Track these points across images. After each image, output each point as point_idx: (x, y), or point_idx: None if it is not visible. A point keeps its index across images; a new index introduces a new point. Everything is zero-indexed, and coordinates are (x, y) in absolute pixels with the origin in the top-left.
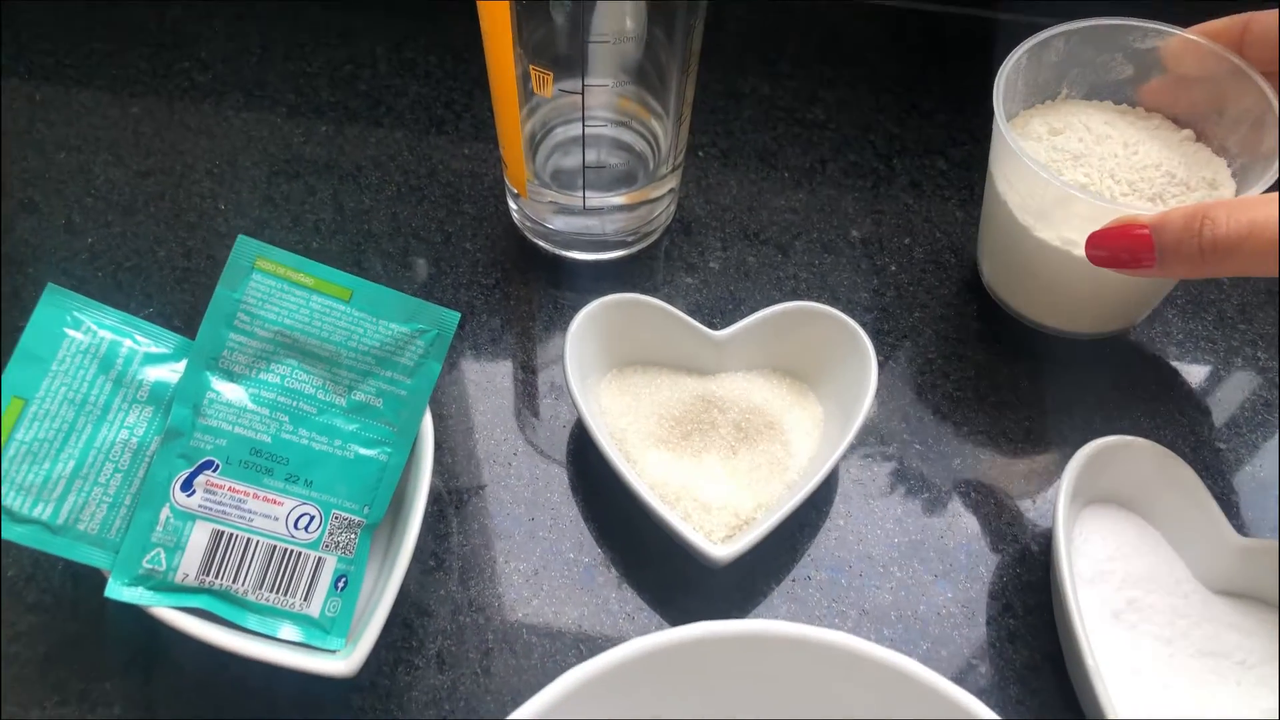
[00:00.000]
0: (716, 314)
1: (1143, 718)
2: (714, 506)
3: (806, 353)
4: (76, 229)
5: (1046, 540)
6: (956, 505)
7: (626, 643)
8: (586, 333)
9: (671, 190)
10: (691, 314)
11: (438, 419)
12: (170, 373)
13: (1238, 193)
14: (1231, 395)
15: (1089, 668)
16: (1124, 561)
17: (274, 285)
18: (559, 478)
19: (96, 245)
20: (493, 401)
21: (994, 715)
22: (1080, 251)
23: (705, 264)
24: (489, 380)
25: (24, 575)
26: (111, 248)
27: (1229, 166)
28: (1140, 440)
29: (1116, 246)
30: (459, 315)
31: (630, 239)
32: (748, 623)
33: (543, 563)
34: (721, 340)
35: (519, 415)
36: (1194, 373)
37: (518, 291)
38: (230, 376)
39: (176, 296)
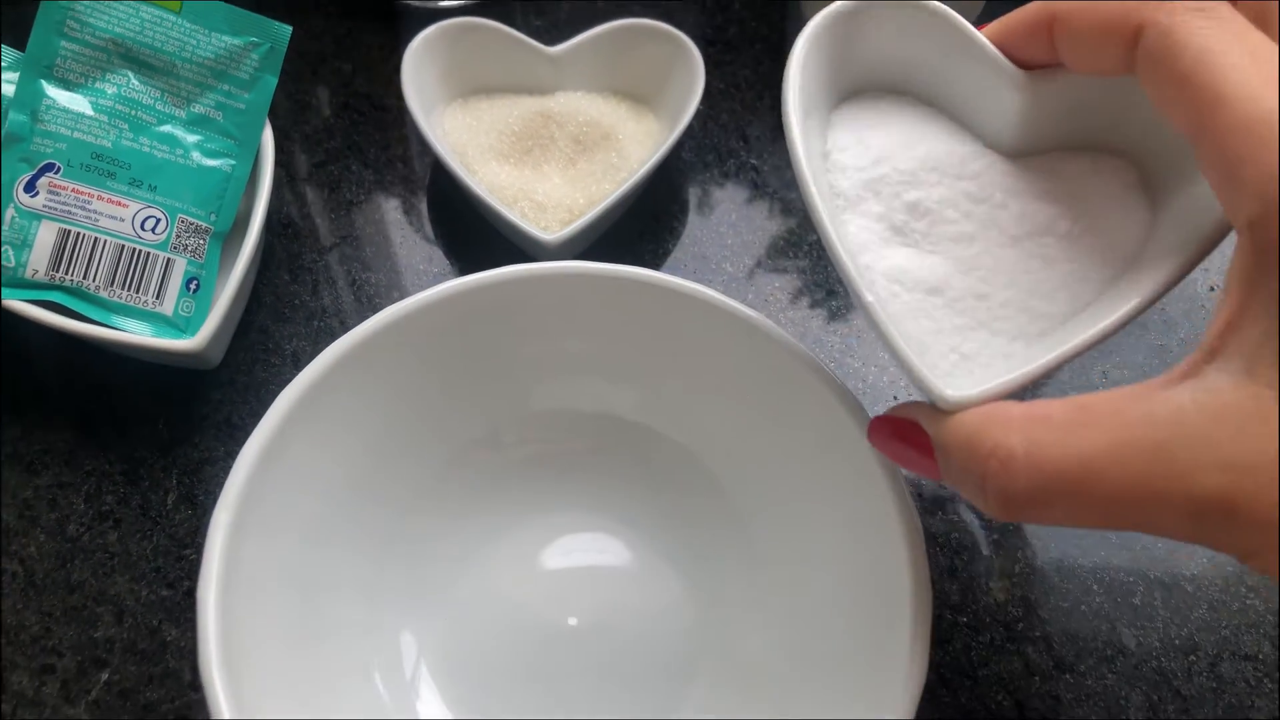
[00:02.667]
0: None
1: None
2: (548, 205)
3: (642, 72)
4: None
5: None
6: (791, 207)
7: (445, 283)
8: (425, 58)
9: None
10: None
11: (293, 154)
12: (6, 84)
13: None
14: None
15: (880, 322)
16: (892, 161)
17: None
18: (412, 204)
19: None
20: (347, 137)
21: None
22: None
23: (556, 10)
24: (342, 119)
25: None
26: None
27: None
28: None
29: (897, 447)
30: (290, 29)
31: None
32: (554, 264)
33: (393, 274)
34: (558, 55)
35: (370, 149)
36: None
37: (369, 40)
38: (66, 85)
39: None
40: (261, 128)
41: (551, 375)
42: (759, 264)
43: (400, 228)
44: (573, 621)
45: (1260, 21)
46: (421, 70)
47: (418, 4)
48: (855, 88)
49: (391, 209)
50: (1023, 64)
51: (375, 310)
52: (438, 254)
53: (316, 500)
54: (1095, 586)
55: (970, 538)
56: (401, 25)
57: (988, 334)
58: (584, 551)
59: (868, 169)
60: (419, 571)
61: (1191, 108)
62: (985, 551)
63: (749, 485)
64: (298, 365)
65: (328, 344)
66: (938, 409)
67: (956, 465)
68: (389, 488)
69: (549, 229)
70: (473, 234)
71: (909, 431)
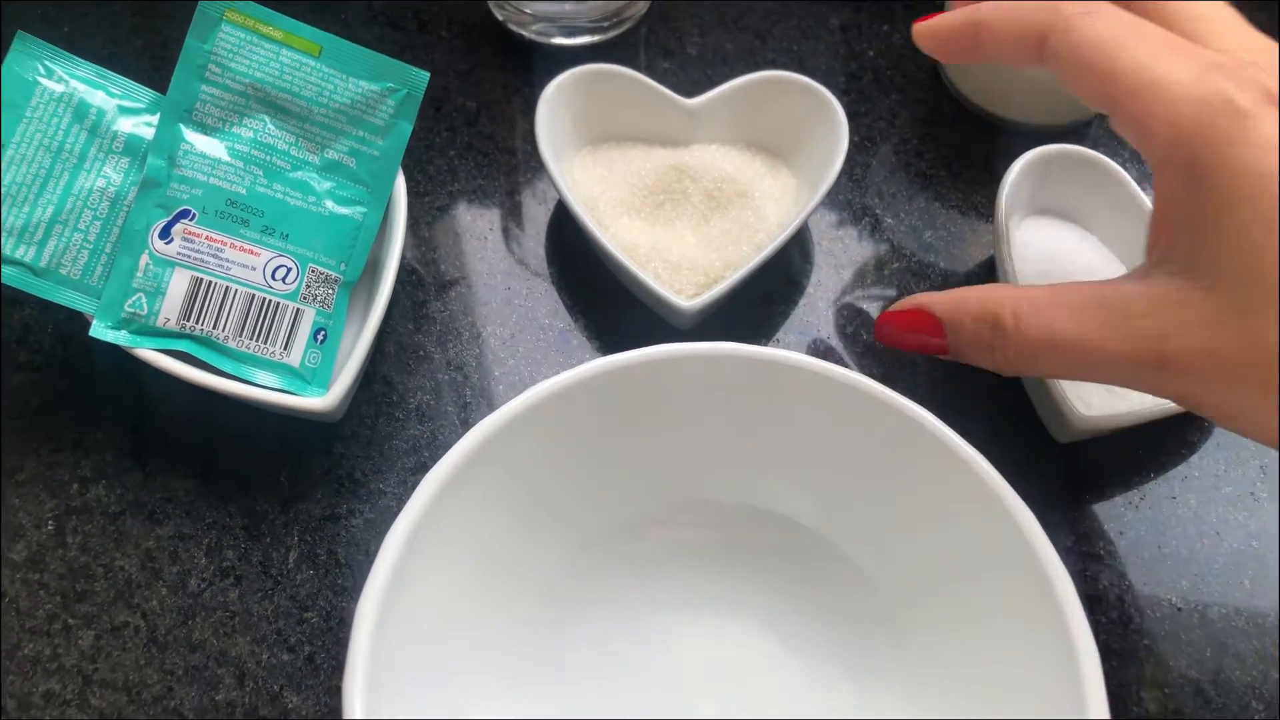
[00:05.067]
0: (692, 96)
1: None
2: (683, 267)
3: (780, 126)
4: None
5: None
6: (926, 270)
7: (595, 361)
8: (559, 103)
9: None
10: None
11: (416, 195)
12: (145, 125)
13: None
14: None
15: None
16: (1061, 262)
17: (243, 37)
18: (534, 251)
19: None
20: (470, 180)
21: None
22: None
23: (683, 50)
24: (466, 160)
25: (15, 337)
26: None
27: None
28: (1073, 147)
29: (905, 335)
30: (427, 74)
31: (606, 24)
32: (705, 345)
33: (518, 328)
34: (695, 109)
35: (495, 193)
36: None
37: (493, 76)
38: (204, 129)
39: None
40: (395, 175)
41: (698, 462)
42: None
43: (523, 279)
44: (709, 713)
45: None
46: (555, 116)
47: (543, 41)
48: (1044, 209)
49: (514, 258)
50: (952, 58)
51: (500, 365)
52: (561, 308)
53: (457, 581)
54: (1255, 703)
55: (1123, 642)
56: (527, 62)
57: None
58: (724, 642)
59: (1041, 264)
60: (557, 655)
61: (1098, 87)
62: (1138, 658)
63: (902, 582)
64: (423, 419)
65: (452, 399)
66: (947, 296)
67: (968, 331)
68: (529, 570)
69: (683, 292)
70: (598, 288)
71: (919, 321)
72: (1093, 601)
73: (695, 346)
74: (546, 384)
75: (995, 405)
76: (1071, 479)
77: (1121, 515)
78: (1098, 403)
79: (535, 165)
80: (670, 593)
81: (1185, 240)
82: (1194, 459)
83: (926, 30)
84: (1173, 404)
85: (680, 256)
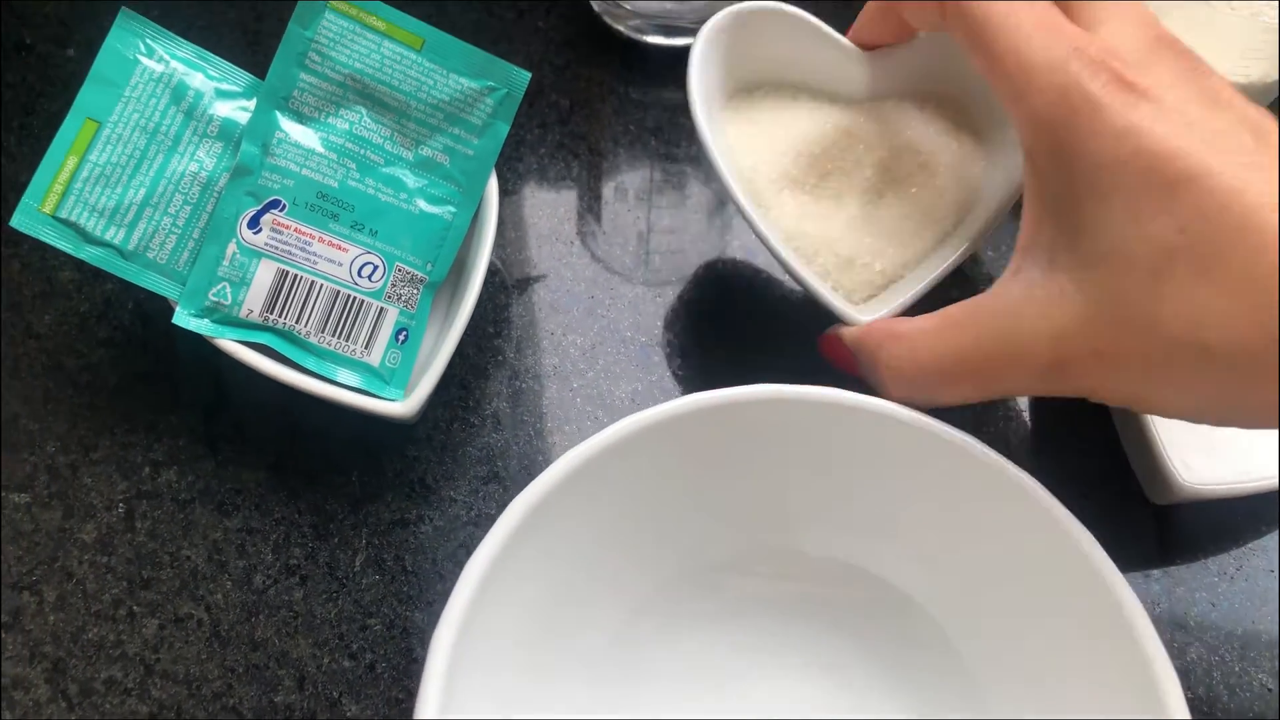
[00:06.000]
0: None
1: None
2: (856, 262)
3: (964, 82)
4: None
5: None
6: None
7: (688, 397)
8: (712, 52)
9: None
10: None
11: (504, 194)
12: (241, 110)
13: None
14: None
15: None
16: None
17: (346, 26)
18: (619, 259)
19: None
20: (560, 180)
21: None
22: None
23: None
24: (556, 159)
25: (96, 312)
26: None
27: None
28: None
29: (833, 357)
30: (529, 75)
31: None
32: (807, 390)
33: (599, 338)
34: (874, 58)
35: (585, 195)
36: None
37: (589, 74)
38: (300, 118)
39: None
40: (488, 177)
41: (786, 509)
42: None
43: (607, 287)
44: None
45: None
46: (708, 66)
47: (639, 39)
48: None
49: (600, 264)
50: (890, 39)
51: (579, 376)
52: (643, 320)
53: (528, 617)
54: None
55: None
56: (625, 60)
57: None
58: (797, 699)
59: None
60: (629, 699)
61: (981, 58)
62: None
63: (990, 655)
64: (498, 427)
65: (528, 409)
66: (851, 327)
67: (870, 375)
68: (603, 610)
69: (854, 294)
70: (684, 299)
71: (838, 345)
72: (1180, 675)
73: (798, 391)
74: (638, 417)
75: (1088, 457)
76: (1163, 542)
77: (1215, 585)
78: (1198, 465)
79: (627, 167)
80: (744, 645)
81: (1051, 229)
82: None
83: (860, 25)
84: (1275, 477)
85: (852, 248)
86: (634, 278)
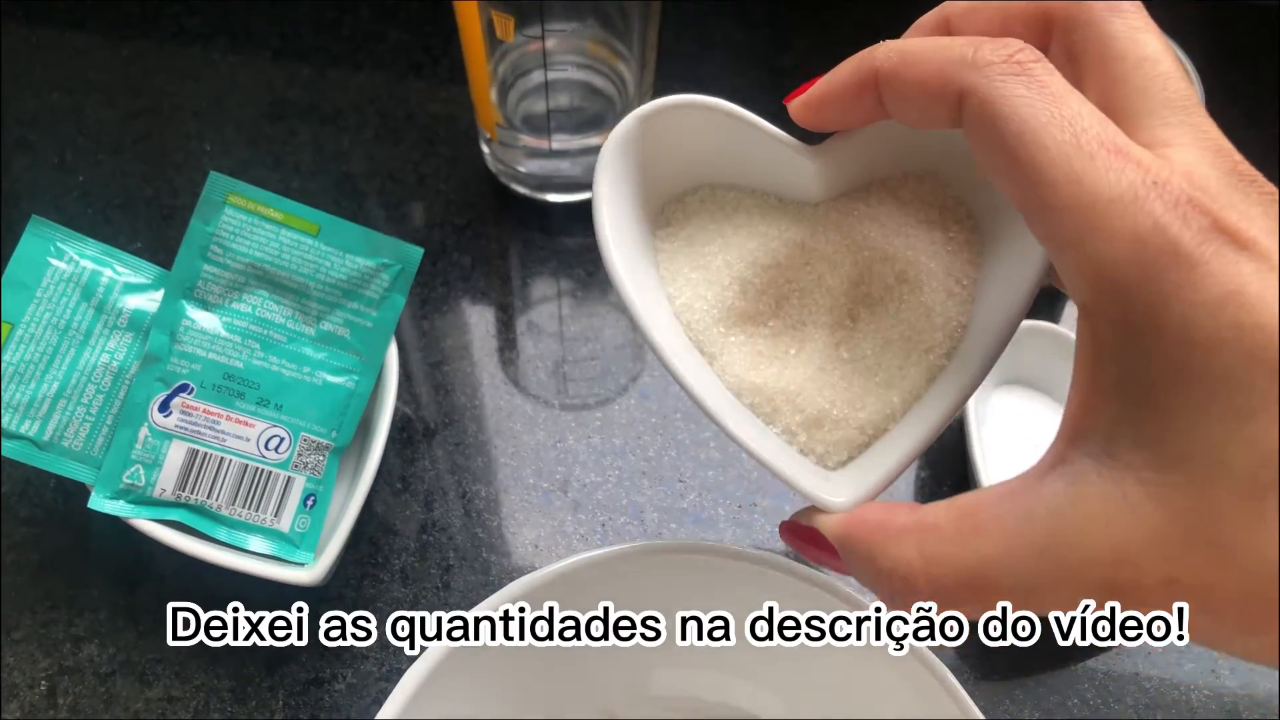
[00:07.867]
0: None
1: None
2: (828, 417)
3: (954, 140)
4: (69, 167)
5: None
6: None
7: (572, 558)
8: (622, 168)
9: None
10: None
11: (410, 350)
12: (149, 301)
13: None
14: None
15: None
16: (1032, 434)
17: (245, 219)
18: (521, 409)
19: (88, 183)
20: (461, 336)
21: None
22: None
23: None
24: (459, 316)
25: (17, 491)
26: (101, 185)
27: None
28: (1041, 323)
29: (811, 551)
30: (422, 250)
31: None
32: (686, 541)
33: (503, 487)
34: (823, 153)
35: (486, 348)
36: None
37: (490, 231)
38: (205, 305)
39: (163, 233)
40: (387, 345)
41: (673, 660)
42: None
43: (510, 436)
44: None
45: (1073, 59)
46: (619, 185)
47: (539, 197)
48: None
49: (503, 413)
50: (855, 123)
51: (483, 525)
52: (545, 467)
53: None
54: None
55: None
56: (521, 217)
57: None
58: None
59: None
60: None
61: (1018, 184)
62: None
63: None
64: (406, 582)
65: (435, 561)
66: (832, 516)
67: (863, 578)
68: None
69: (828, 458)
70: (585, 443)
71: (816, 537)
72: None
73: (664, 545)
74: (518, 584)
75: None
76: None
77: None
78: None
79: (527, 320)
80: None
81: (1112, 416)
82: None
83: (819, 93)
84: None
85: (823, 401)
86: (534, 426)
